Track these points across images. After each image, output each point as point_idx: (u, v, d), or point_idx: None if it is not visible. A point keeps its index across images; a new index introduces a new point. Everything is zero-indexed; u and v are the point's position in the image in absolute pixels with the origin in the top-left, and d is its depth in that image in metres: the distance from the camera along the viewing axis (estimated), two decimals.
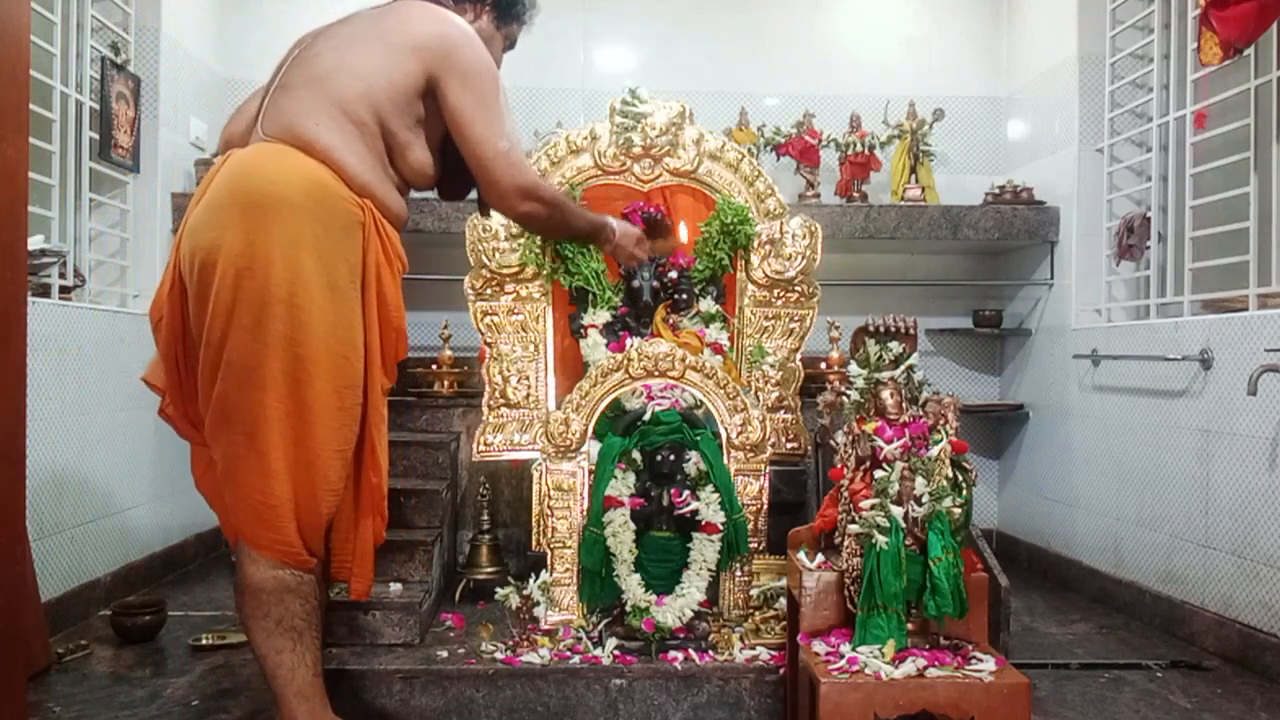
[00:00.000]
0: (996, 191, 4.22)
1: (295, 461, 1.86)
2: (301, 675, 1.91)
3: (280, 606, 1.89)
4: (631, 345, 2.59)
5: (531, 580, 2.60)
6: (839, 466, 2.07)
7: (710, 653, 2.43)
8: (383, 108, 1.98)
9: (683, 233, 2.96)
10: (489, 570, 3.09)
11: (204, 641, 2.95)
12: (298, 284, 1.84)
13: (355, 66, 1.99)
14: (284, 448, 1.85)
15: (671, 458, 2.54)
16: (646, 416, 2.57)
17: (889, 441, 2.01)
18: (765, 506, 2.59)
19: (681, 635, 2.47)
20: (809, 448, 2.95)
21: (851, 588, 1.97)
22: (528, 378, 2.92)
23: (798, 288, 2.94)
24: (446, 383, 3.60)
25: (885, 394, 2.07)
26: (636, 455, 2.56)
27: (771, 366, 2.92)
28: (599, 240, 2.51)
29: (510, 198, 2.11)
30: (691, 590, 2.48)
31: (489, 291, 2.92)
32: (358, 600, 2.27)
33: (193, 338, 1.93)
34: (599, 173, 2.96)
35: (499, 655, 2.42)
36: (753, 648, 2.43)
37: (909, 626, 1.92)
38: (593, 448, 2.56)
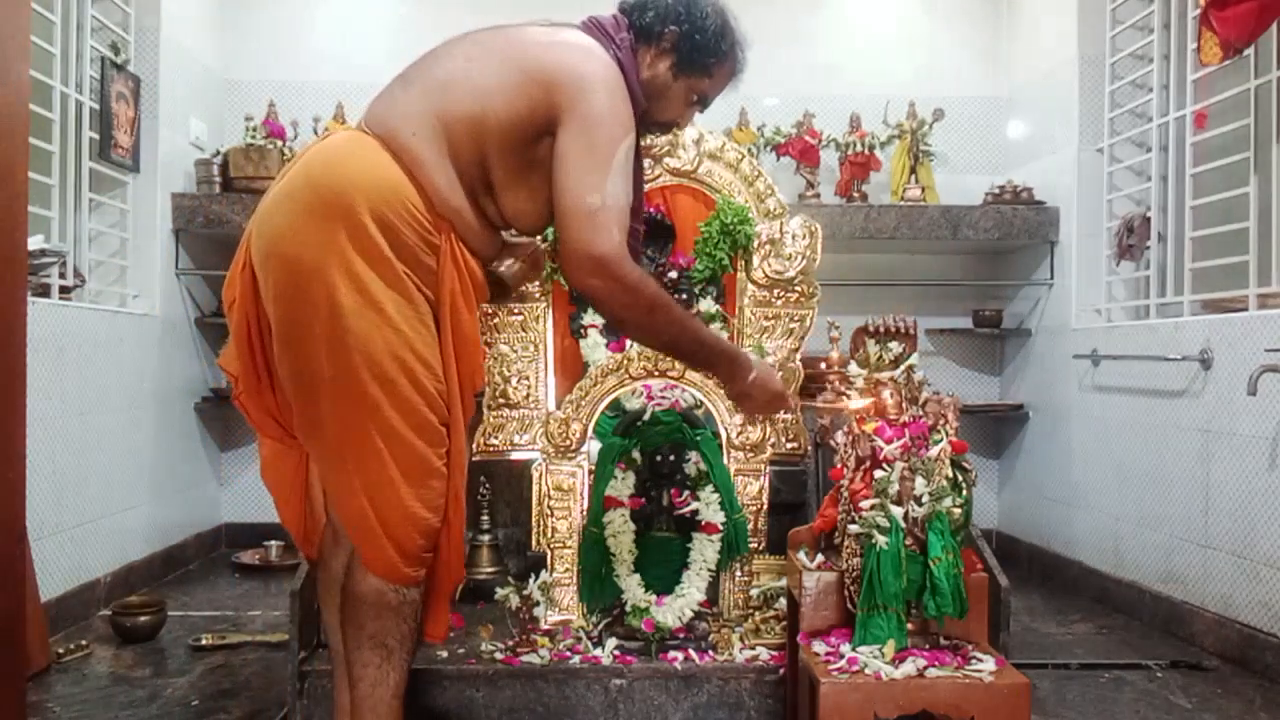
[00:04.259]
0: (996, 191, 4.22)
1: (373, 482, 1.75)
2: (380, 693, 1.84)
3: (377, 622, 1.81)
4: (631, 345, 2.59)
5: (531, 580, 2.60)
6: (839, 466, 2.07)
7: (710, 653, 2.43)
8: (488, 139, 1.80)
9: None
10: (489, 570, 3.09)
11: (204, 641, 2.95)
12: (368, 296, 1.71)
13: (478, 83, 1.80)
14: (363, 471, 1.75)
15: (671, 458, 2.53)
16: (646, 416, 2.56)
17: (889, 441, 2.00)
18: (765, 506, 2.59)
19: (681, 635, 2.47)
20: (809, 448, 2.95)
21: (851, 588, 1.97)
22: (528, 378, 2.92)
23: (798, 288, 2.93)
24: None
25: (885, 394, 2.07)
26: (636, 455, 2.56)
27: (771, 366, 2.91)
28: (723, 376, 2.06)
29: (576, 262, 1.76)
30: (691, 590, 2.48)
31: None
32: (432, 642, 2.05)
33: (268, 322, 1.80)
34: None
35: (499, 655, 2.42)
36: (753, 648, 2.43)
37: (909, 626, 1.92)
38: (593, 448, 2.56)
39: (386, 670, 1.84)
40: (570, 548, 2.55)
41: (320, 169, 1.77)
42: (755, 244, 2.91)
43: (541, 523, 2.60)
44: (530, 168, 1.84)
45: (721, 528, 2.48)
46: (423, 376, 1.77)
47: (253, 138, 4.11)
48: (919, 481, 1.95)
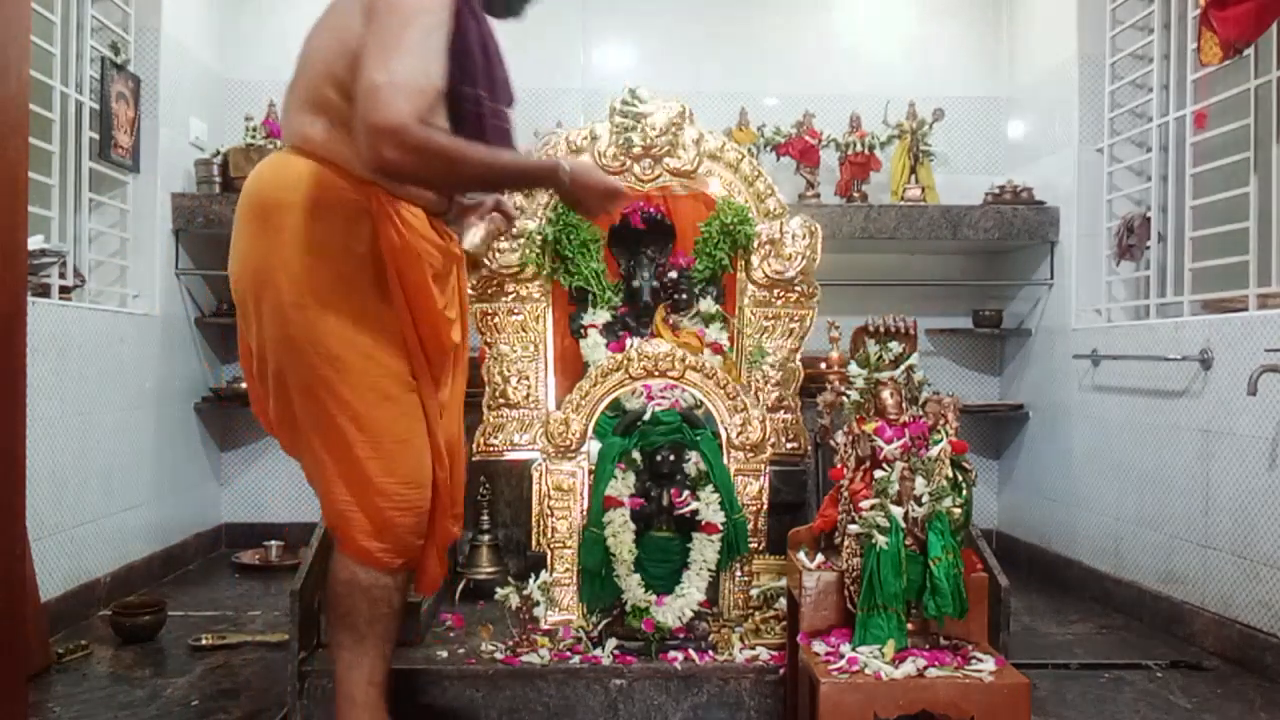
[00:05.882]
0: (996, 191, 4.22)
1: (345, 465, 1.86)
2: (354, 678, 1.89)
3: (347, 602, 1.89)
4: (631, 345, 2.59)
5: (531, 580, 2.60)
6: (839, 466, 2.07)
7: (710, 653, 2.43)
8: (345, 84, 1.79)
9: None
10: (489, 570, 3.09)
11: (204, 641, 2.95)
12: (304, 286, 1.83)
13: (315, 46, 1.89)
14: (332, 453, 1.86)
15: (671, 458, 2.53)
16: (646, 416, 2.56)
17: (889, 441, 2.00)
18: (765, 506, 2.59)
19: (681, 635, 2.47)
20: (809, 448, 2.95)
21: (851, 588, 1.97)
22: (528, 378, 2.92)
23: (798, 288, 2.93)
24: None
25: (885, 394, 2.07)
26: (636, 455, 2.56)
27: (771, 366, 2.92)
28: (546, 187, 2.16)
29: (368, 138, 1.69)
30: (691, 590, 2.48)
31: (489, 292, 2.92)
32: (423, 596, 2.22)
33: None
34: None
35: (499, 655, 2.42)
36: (753, 648, 2.43)
37: (909, 626, 1.92)
38: (593, 448, 2.56)
39: (359, 654, 1.89)
40: (570, 548, 2.55)
41: (251, 190, 1.92)
42: (755, 244, 2.91)
43: (541, 523, 2.60)
44: None
45: (721, 528, 2.48)
46: (373, 350, 1.86)
47: (253, 138, 4.11)
48: (919, 481, 1.95)
